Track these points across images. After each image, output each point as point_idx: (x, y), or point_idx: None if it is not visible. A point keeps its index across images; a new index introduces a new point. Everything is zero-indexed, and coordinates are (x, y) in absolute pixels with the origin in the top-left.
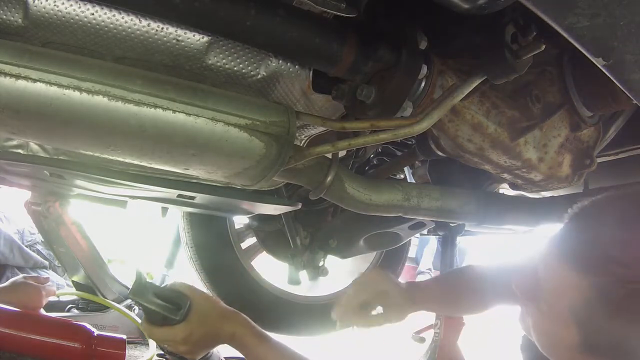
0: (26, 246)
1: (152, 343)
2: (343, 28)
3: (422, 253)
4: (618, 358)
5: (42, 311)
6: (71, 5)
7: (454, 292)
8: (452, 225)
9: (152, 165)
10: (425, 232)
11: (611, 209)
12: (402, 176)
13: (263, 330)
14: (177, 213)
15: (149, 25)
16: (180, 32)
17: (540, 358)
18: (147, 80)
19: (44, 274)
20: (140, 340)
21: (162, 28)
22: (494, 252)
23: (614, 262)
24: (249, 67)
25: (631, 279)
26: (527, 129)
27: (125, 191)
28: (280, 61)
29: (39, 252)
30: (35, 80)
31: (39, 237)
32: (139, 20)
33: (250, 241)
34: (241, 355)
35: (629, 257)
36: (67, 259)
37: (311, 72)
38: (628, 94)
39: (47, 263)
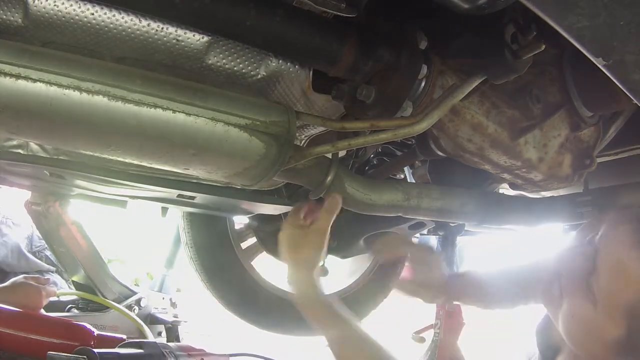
0: (35, 251)
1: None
2: (343, 28)
3: None
4: None
5: (42, 311)
6: (71, 5)
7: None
8: (452, 225)
9: (152, 165)
10: (425, 232)
11: None
12: (402, 176)
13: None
14: (177, 213)
15: (149, 25)
16: (180, 32)
17: (554, 344)
18: (147, 80)
19: (47, 276)
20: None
21: (162, 28)
22: (494, 252)
23: None
24: (249, 67)
25: None
26: (527, 129)
27: (125, 191)
28: (280, 61)
29: (47, 258)
30: (35, 80)
31: None
32: (139, 20)
33: (250, 241)
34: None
35: None
36: (67, 259)
37: (311, 72)
38: (628, 94)
39: (54, 268)
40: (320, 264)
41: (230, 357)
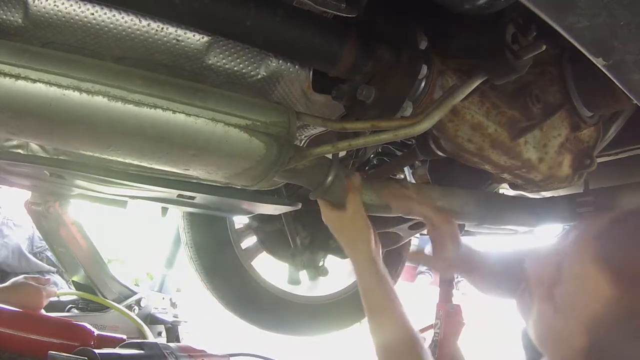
0: (36, 252)
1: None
2: (343, 28)
3: None
4: None
5: (43, 311)
6: (71, 5)
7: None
8: None
9: (153, 166)
10: (425, 232)
11: None
12: (402, 176)
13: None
14: (177, 213)
15: (149, 25)
16: (180, 32)
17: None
18: (147, 81)
19: (48, 277)
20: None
21: (162, 28)
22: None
23: None
24: (249, 67)
25: None
26: (527, 129)
27: (126, 191)
28: (280, 61)
29: (47, 259)
30: (35, 81)
31: None
32: (139, 20)
33: (250, 241)
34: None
35: None
36: (67, 259)
37: (311, 72)
38: (628, 94)
39: (54, 269)
40: (320, 264)
41: (230, 357)
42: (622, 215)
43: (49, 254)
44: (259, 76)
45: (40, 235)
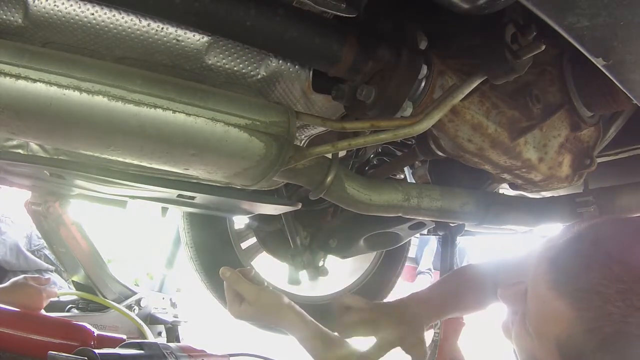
0: (33, 250)
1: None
2: (343, 28)
3: (422, 253)
4: None
5: (43, 312)
6: (71, 5)
7: (454, 296)
8: (452, 225)
9: (152, 166)
10: (425, 232)
11: (613, 243)
12: (402, 176)
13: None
14: (177, 213)
15: (149, 25)
16: (180, 32)
17: None
18: (147, 80)
19: (48, 276)
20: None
21: (162, 28)
22: (494, 252)
23: (606, 300)
24: (249, 67)
25: (620, 319)
26: (527, 129)
27: (125, 191)
28: (280, 61)
29: (46, 257)
30: (35, 81)
31: None
32: (139, 20)
33: (250, 241)
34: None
35: (622, 297)
36: (67, 259)
37: (311, 72)
38: (628, 94)
39: (53, 267)
40: (320, 264)
41: (230, 357)
42: (576, 236)
43: (47, 252)
44: (259, 76)
45: (38, 233)
